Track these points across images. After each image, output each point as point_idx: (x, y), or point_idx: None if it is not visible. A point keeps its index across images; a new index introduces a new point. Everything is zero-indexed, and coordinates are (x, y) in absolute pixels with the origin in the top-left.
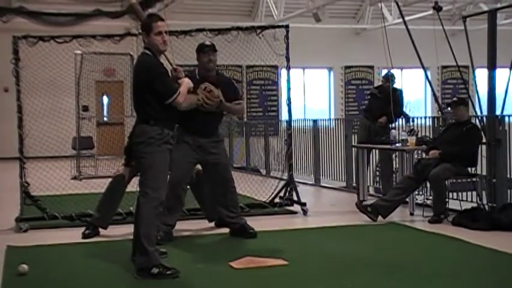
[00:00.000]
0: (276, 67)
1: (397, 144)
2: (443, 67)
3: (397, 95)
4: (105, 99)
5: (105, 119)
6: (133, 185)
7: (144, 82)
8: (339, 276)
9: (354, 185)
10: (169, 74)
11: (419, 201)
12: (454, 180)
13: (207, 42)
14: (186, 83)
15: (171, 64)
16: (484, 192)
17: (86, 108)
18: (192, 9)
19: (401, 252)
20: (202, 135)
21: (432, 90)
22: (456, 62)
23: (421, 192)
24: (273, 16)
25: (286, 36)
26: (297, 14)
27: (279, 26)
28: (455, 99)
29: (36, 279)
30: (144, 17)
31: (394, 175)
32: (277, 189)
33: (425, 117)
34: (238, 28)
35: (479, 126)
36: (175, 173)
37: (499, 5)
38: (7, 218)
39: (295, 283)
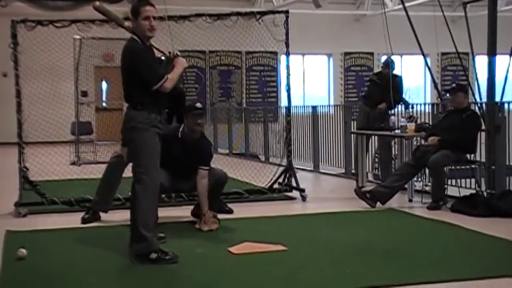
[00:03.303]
0: (275, 53)
1: (396, 131)
2: (443, 54)
3: (397, 81)
4: (104, 84)
5: (104, 104)
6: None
7: (131, 68)
8: (337, 262)
9: (353, 171)
10: (160, 59)
11: (418, 188)
12: (453, 167)
13: (198, 105)
14: (181, 64)
15: (161, 52)
16: (482, 179)
17: (84, 94)
18: None
19: (400, 239)
20: None
21: (432, 76)
22: (456, 48)
23: (420, 179)
24: (273, 2)
25: (286, 22)
26: (297, 0)
27: (278, 12)
28: (454, 85)
29: (35, 264)
30: (111, 13)
31: (393, 161)
32: (276, 175)
33: (424, 104)
34: (238, 13)
35: (479, 113)
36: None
37: None
38: (6, 203)
39: (294, 269)
